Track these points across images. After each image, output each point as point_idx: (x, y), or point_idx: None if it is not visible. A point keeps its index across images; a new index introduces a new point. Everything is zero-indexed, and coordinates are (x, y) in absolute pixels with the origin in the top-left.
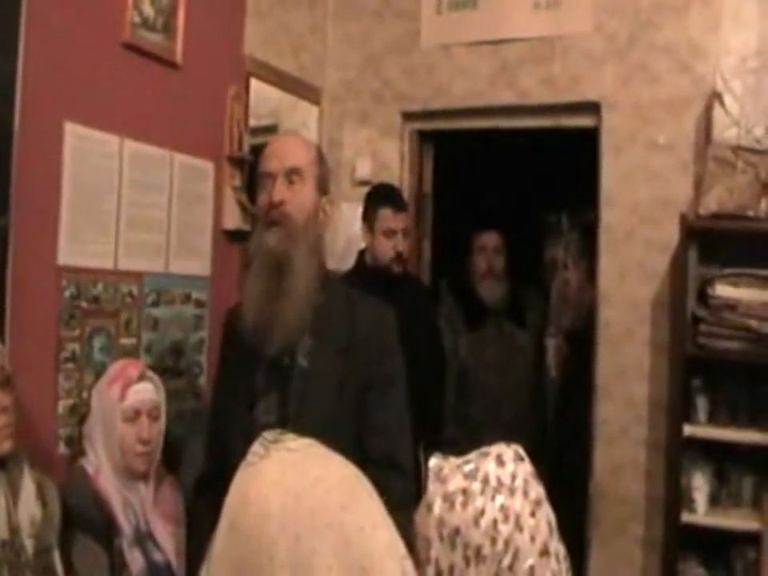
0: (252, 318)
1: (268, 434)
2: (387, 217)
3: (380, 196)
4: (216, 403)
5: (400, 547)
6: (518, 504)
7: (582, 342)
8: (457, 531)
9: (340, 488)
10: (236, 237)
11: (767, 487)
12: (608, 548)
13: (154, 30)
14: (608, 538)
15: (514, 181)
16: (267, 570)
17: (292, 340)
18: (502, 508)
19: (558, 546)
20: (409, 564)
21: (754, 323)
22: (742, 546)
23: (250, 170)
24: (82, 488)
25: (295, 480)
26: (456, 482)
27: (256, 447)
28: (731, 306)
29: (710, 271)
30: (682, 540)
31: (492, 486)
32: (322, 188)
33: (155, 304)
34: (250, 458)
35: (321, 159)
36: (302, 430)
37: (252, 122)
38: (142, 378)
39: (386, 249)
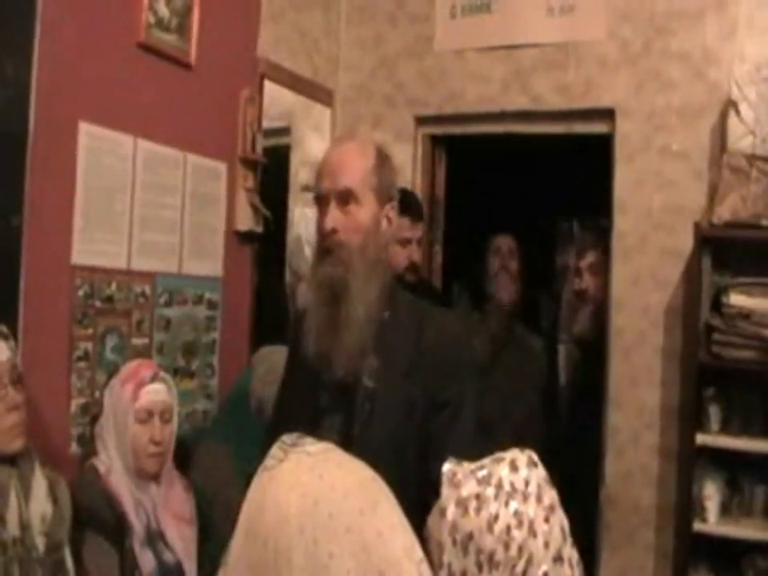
0: (313, 348)
1: (287, 438)
2: (404, 226)
3: (399, 204)
4: (276, 417)
5: (418, 551)
6: (531, 510)
7: (593, 349)
8: (470, 536)
9: (358, 492)
10: (248, 238)
11: None
12: (619, 556)
13: (168, 30)
14: (619, 546)
15: (526, 187)
16: (285, 573)
17: (354, 364)
18: (516, 513)
19: (571, 552)
20: (426, 567)
21: (767, 332)
22: (753, 555)
23: (263, 172)
24: (94, 487)
25: (312, 484)
26: (469, 487)
27: (274, 451)
28: (745, 314)
29: (724, 279)
30: (692, 549)
31: (506, 492)
32: (384, 196)
33: (168, 304)
34: (268, 461)
35: (380, 165)
36: (367, 451)
37: (265, 124)
38: (154, 378)
39: (401, 258)
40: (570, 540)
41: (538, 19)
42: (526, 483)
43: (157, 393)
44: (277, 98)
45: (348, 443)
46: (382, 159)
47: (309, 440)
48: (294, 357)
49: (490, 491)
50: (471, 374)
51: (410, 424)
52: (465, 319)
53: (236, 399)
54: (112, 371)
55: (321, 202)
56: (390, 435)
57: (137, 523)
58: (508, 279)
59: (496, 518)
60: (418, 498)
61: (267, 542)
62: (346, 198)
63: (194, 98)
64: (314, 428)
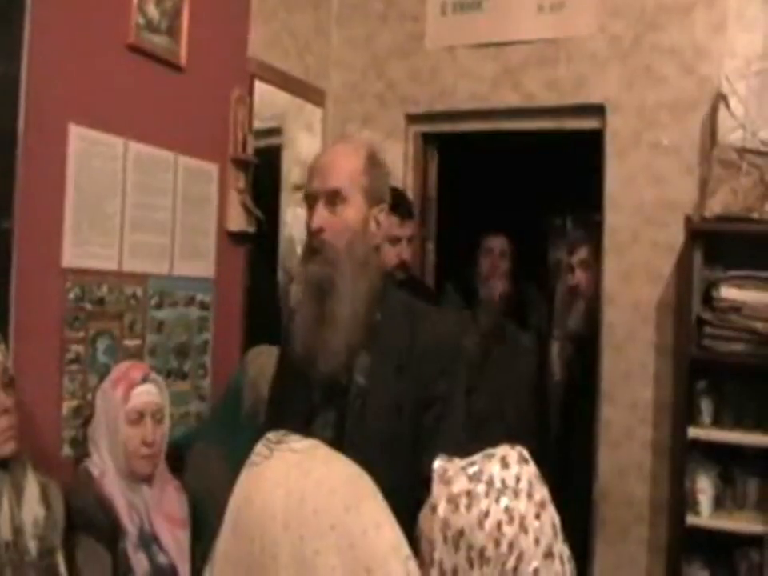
0: (300, 346)
1: (272, 435)
2: (394, 225)
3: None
4: (270, 416)
5: (404, 548)
6: (522, 506)
7: (587, 345)
8: (461, 533)
9: (343, 489)
10: (240, 239)
11: None
12: (613, 550)
13: (158, 32)
14: (613, 541)
15: (518, 183)
16: (271, 569)
17: (340, 362)
18: (507, 510)
19: (562, 548)
20: (413, 564)
21: (759, 325)
22: (746, 548)
23: (254, 172)
24: (86, 490)
25: (298, 481)
26: (460, 484)
27: (260, 448)
28: (736, 308)
29: (715, 273)
30: (686, 542)
31: (496, 488)
32: (373, 198)
33: (159, 306)
34: (253, 458)
35: (371, 167)
36: (359, 448)
37: (256, 124)
38: (145, 379)
39: (390, 256)
40: (560, 536)
41: (528, 16)
42: (517, 480)
43: (148, 394)
44: (268, 99)
45: (341, 440)
46: (373, 161)
47: (294, 437)
48: (284, 356)
49: (480, 488)
50: (461, 372)
51: (402, 421)
52: (456, 317)
53: (228, 401)
54: (104, 373)
55: (310, 201)
56: (382, 431)
57: (130, 526)
58: (500, 280)
59: (487, 514)
60: (410, 495)
61: (253, 538)
62: (333, 198)
63: (185, 99)
64: (307, 425)
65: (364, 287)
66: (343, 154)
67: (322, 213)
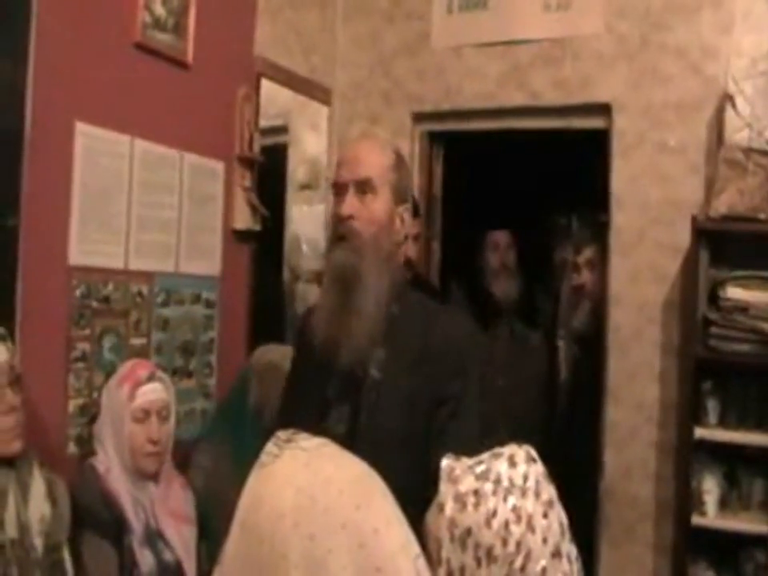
0: (322, 334)
1: (281, 433)
2: None
3: None
4: (283, 410)
5: (414, 546)
6: (529, 505)
7: (592, 344)
8: (468, 532)
9: (353, 487)
10: (246, 237)
11: None
12: (618, 550)
13: (164, 30)
14: (618, 540)
15: (524, 182)
16: (281, 569)
17: (362, 354)
18: (514, 509)
19: (569, 548)
20: (422, 563)
21: (765, 326)
22: (751, 548)
23: (260, 170)
24: (92, 487)
25: (308, 479)
26: (468, 483)
27: (269, 447)
28: (742, 308)
29: (721, 273)
30: (692, 542)
31: (504, 487)
32: (399, 196)
33: (165, 304)
34: (263, 457)
35: (399, 165)
36: (372, 442)
37: (262, 123)
38: (151, 378)
39: None
40: (568, 535)
41: (535, 14)
42: (525, 478)
43: (154, 392)
44: (274, 97)
45: (354, 433)
46: (401, 160)
47: (303, 435)
48: (300, 350)
49: (488, 486)
50: (475, 371)
51: (415, 416)
52: (468, 317)
53: (233, 399)
54: (110, 371)
55: (338, 190)
56: (395, 426)
57: (135, 522)
58: (508, 275)
59: (494, 513)
60: (420, 493)
61: (263, 538)
62: (364, 187)
63: (191, 97)
64: (321, 418)
65: (387, 281)
66: (374, 148)
67: (352, 200)
